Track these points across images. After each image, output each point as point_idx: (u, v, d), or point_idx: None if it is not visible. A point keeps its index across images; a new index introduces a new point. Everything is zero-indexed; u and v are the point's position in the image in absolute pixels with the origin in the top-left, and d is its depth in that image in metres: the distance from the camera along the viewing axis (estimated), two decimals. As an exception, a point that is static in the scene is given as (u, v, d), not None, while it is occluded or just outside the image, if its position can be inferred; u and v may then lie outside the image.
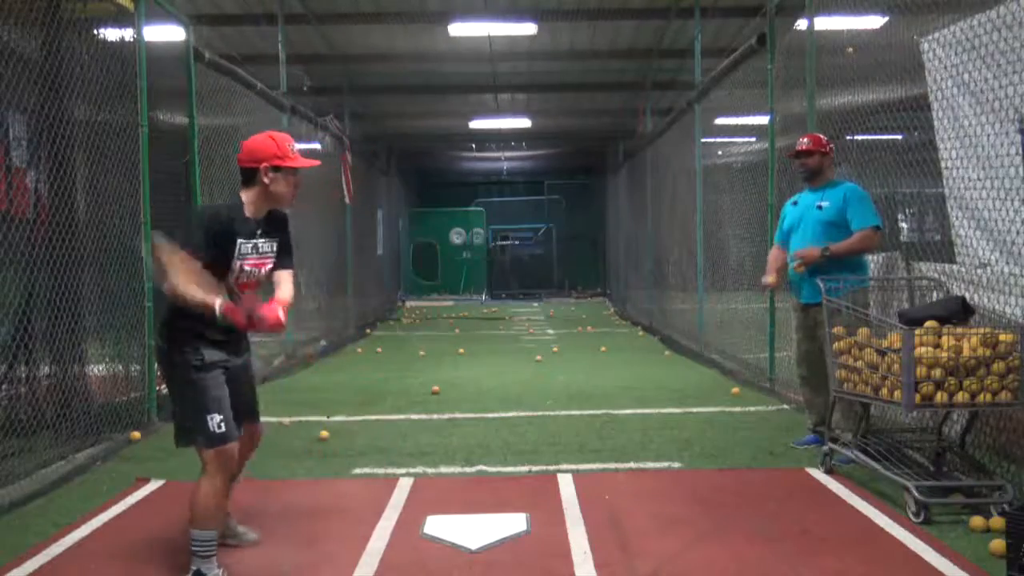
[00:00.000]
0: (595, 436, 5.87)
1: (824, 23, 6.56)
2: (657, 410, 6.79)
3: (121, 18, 6.07)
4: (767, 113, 7.56)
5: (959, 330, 4.09)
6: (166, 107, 7.11)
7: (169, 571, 3.50)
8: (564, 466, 5.08)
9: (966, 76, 4.65)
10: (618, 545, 3.72)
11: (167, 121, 7.19)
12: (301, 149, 3.53)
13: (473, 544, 3.74)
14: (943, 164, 4.93)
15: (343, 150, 13.73)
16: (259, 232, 3.42)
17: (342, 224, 13.81)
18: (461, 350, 11.14)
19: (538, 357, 10.26)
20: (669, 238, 12.77)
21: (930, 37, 4.99)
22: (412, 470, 5.03)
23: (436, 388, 7.82)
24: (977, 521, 3.82)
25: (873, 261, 5.43)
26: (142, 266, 6.22)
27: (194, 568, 3.25)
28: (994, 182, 4.44)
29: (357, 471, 5.07)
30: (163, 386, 6.17)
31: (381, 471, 5.04)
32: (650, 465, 5.12)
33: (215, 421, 3.28)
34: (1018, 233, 4.24)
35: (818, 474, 4.79)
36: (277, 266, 3.56)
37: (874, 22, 6.22)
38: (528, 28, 12.03)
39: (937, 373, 3.97)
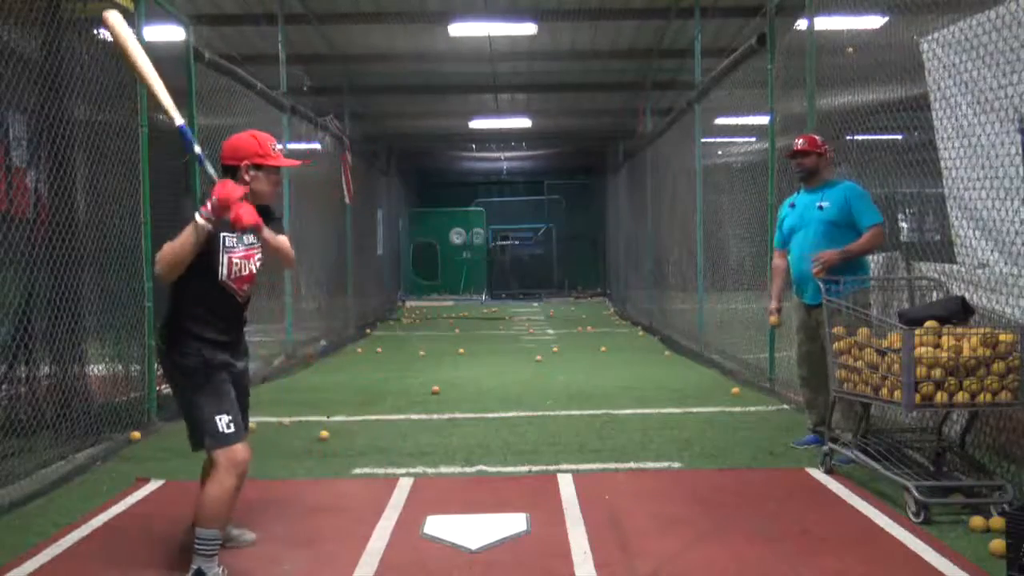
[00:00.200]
0: (595, 436, 5.87)
1: (824, 23, 6.56)
2: (657, 410, 6.79)
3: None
4: (767, 113, 7.56)
5: (959, 330, 4.09)
6: (166, 107, 7.10)
7: (169, 571, 3.50)
8: (564, 466, 5.08)
9: (966, 76, 4.65)
10: (618, 545, 3.73)
11: (167, 121, 7.16)
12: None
13: (473, 544, 3.74)
14: (943, 164, 4.93)
15: (343, 150, 13.74)
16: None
17: (342, 224, 13.81)
18: (461, 350, 11.14)
19: (538, 357, 10.26)
20: (669, 238, 12.77)
21: (930, 37, 4.99)
22: (412, 470, 5.03)
23: (436, 388, 7.82)
24: (977, 521, 3.82)
25: (873, 261, 5.43)
26: (142, 266, 6.22)
27: (195, 567, 3.25)
28: (994, 182, 4.43)
29: (357, 471, 5.07)
30: (163, 386, 6.18)
31: (381, 471, 5.04)
32: (650, 465, 5.12)
33: (224, 422, 3.28)
34: (1017, 233, 4.24)
35: (818, 474, 4.79)
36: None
37: (874, 22, 6.22)
38: (528, 28, 12.03)
39: (937, 373, 3.97)
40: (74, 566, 3.59)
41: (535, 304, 21.42)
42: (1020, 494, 3.98)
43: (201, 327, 3.35)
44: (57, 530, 4.00)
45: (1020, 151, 4.26)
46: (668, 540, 3.78)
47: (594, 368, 9.32)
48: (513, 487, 4.67)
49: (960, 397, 3.96)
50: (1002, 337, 3.97)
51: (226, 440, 3.28)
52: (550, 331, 14.18)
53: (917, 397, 3.97)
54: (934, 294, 4.88)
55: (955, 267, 4.81)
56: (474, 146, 21.19)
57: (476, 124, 18.61)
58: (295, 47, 12.37)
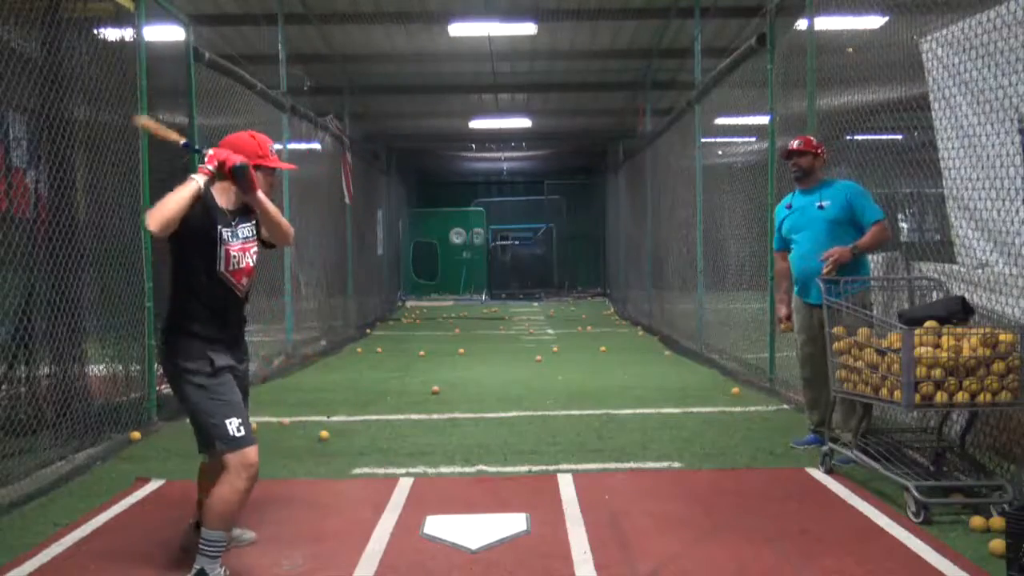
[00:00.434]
0: (595, 436, 5.87)
1: (824, 23, 6.56)
2: (657, 410, 6.79)
3: (121, 18, 6.08)
4: (767, 113, 7.56)
5: (959, 330, 4.09)
6: (166, 107, 7.12)
7: (169, 571, 3.50)
8: (564, 466, 5.08)
9: (966, 76, 4.65)
10: (618, 545, 3.73)
11: (167, 121, 7.19)
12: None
13: (473, 544, 3.74)
14: (943, 164, 4.93)
15: (343, 150, 13.74)
16: (235, 221, 3.45)
17: (342, 224, 13.81)
18: (461, 350, 11.14)
19: (538, 357, 10.26)
20: (669, 238, 12.77)
21: (930, 37, 4.99)
22: (412, 470, 5.03)
23: (436, 388, 7.82)
24: (977, 521, 3.82)
25: (873, 261, 5.43)
26: (142, 266, 6.22)
27: (198, 567, 3.25)
28: (994, 182, 4.44)
29: (357, 471, 5.07)
30: (163, 386, 6.18)
31: (381, 471, 5.04)
32: (650, 465, 5.12)
33: (234, 425, 3.28)
34: (1018, 233, 4.24)
35: (818, 474, 4.79)
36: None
37: (874, 22, 6.22)
38: (528, 28, 12.04)
39: (937, 373, 3.97)
40: (74, 566, 3.59)
41: (535, 304, 21.42)
42: (1020, 494, 3.98)
43: (201, 324, 3.35)
44: (57, 530, 4.00)
45: (1020, 151, 4.26)
46: (668, 540, 3.78)
47: (594, 368, 9.32)
48: (513, 487, 4.67)
49: (960, 397, 3.96)
50: (1002, 337, 3.97)
51: (237, 444, 3.27)
52: (550, 331, 14.18)
53: (917, 397, 3.98)
54: (934, 294, 4.88)
55: (955, 267, 4.81)
56: (474, 146, 21.20)
57: (476, 124, 18.62)
58: (295, 47, 12.38)
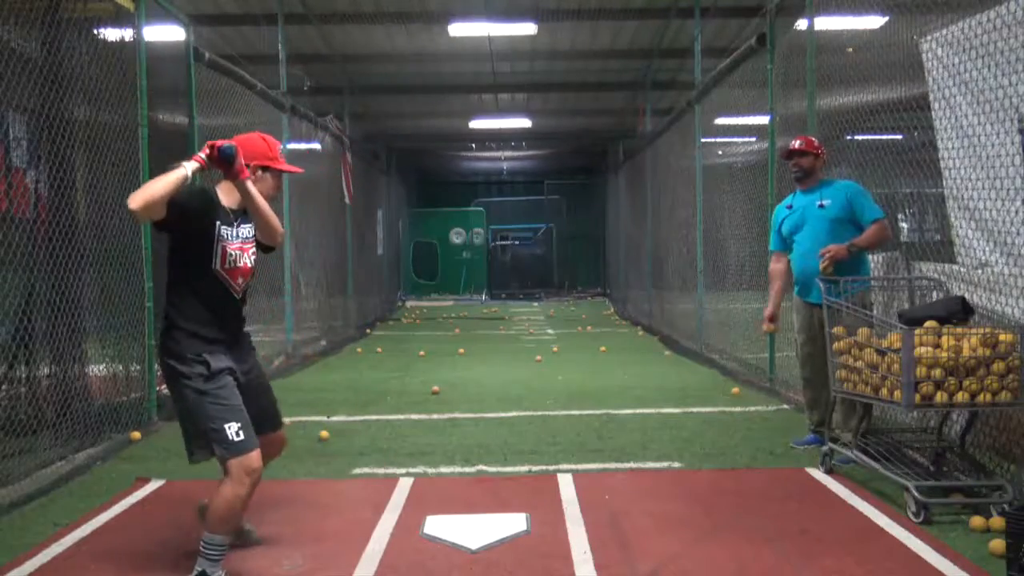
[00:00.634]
0: (595, 436, 5.87)
1: (824, 23, 6.56)
2: (657, 410, 6.79)
3: (121, 18, 6.08)
4: (767, 113, 7.56)
5: (959, 330, 4.09)
6: (166, 107, 7.12)
7: (169, 571, 3.50)
8: (564, 466, 5.08)
9: (966, 76, 4.65)
10: (618, 545, 3.73)
11: (167, 121, 7.20)
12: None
13: (473, 544, 3.74)
14: (943, 164, 4.93)
15: (343, 150, 13.74)
16: (236, 220, 3.44)
17: (342, 224, 13.81)
18: (461, 350, 11.14)
19: (538, 357, 10.26)
20: (669, 238, 12.77)
21: (930, 37, 4.99)
22: (412, 470, 5.03)
23: (436, 388, 7.82)
24: (977, 521, 3.82)
25: (873, 261, 5.44)
26: (142, 266, 6.22)
27: (199, 569, 3.24)
28: (994, 182, 4.44)
29: (357, 471, 5.07)
30: (163, 386, 6.17)
31: (381, 471, 5.04)
32: (650, 465, 5.12)
33: (233, 429, 3.23)
34: (1018, 233, 4.24)
35: (818, 474, 4.79)
36: None
37: (874, 22, 6.23)
38: (528, 28, 12.04)
39: (937, 373, 3.97)
40: (74, 566, 3.59)
41: (535, 304, 21.42)
42: (1020, 494, 3.98)
43: (198, 324, 3.33)
44: (57, 530, 4.00)
45: (1020, 151, 4.26)
46: (668, 540, 3.78)
47: (594, 368, 9.32)
48: (513, 487, 4.67)
49: (960, 397, 3.96)
50: (1002, 337, 3.97)
51: (237, 449, 3.22)
52: (550, 331, 14.18)
53: (917, 397, 3.97)
54: (934, 294, 4.88)
55: (955, 267, 4.81)
56: (474, 146, 21.21)
57: (476, 124, 18.62)
58: (295, 47, 12.38)
